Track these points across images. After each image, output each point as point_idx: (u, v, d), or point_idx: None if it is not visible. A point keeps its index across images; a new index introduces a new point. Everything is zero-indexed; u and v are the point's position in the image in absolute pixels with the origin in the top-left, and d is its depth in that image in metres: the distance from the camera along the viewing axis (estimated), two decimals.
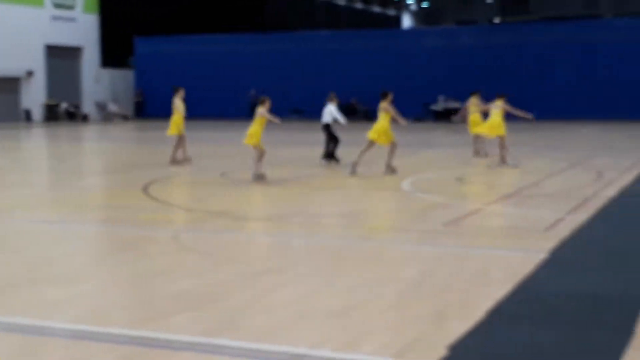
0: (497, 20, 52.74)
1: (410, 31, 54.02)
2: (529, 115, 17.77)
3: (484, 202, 11.53)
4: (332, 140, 17.79)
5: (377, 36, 42.66)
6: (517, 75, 36.95)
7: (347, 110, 39.48)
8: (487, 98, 35.27)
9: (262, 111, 14.16)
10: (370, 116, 38.98)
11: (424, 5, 66.16)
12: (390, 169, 15.28)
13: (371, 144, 15.59)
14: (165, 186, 13.91)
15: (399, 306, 6.18)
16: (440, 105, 37.66)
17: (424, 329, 5.63)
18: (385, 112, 15.50)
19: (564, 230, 9.05)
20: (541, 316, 5.83)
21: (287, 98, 40.45)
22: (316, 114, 40.19)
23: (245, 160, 18.99)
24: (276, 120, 14.24)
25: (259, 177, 14.16)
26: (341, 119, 17.82)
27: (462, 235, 9.10)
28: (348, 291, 6.65)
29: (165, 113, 37.50)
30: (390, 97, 15.58)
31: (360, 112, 39.53)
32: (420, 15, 66.65)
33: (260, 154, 14.27)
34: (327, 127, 17.82)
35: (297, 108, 40.43)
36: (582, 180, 14.10)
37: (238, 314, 5.97)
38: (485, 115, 18.24)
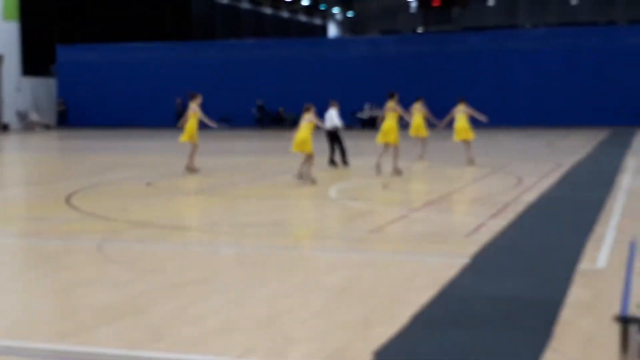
0: (420, 30, 53.60)
1: (336, 40, 54.40)
2: (484, 118, 19.23)
3: (409, 208, 11.69)
4: (338, 145, 18.21)
5: (303, 45, 42.86)
6: (439, 84, 37.62)
7: (275, 119, 39.56)
8: (407, 105, 35.51)
9: (309, 117, 14.71)
10: (297, 125, 39.19)
11: (349, 14, 66.77)
12: (397, 171, 15.90)
13: (387, 146, 16.20)
14: (88, 196, 13.65)
15: (325, 313, 6.21)
16: (366, 113, 38.04)
17: (350, 335, 5.67)
18: (393, 112, 16.21)
19: (485, 235, 9.25)
20: (463, 320, 5.94)
21: (213, 107, 40.17)
22: (243, 122, 40.26)
23: (170, 169, 18.79)
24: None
25: (311, 181, 14.57)
26: (339, 123, 18.34)
27: (386, 241, 9.21)
28: (274, 299, 6.65)
29: (89, 122, 37.00)
30: (396, 97, 16.31)
31: (287, 120, 39.58)
32: (345, 24, 67.23)
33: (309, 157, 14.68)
34: (330, 133, 18.13)
35: (224, 117, 40.22)
36: (503, 186, 14.44)
37: (163, 325, 5.90)
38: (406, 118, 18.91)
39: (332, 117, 18.26)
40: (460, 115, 19.11)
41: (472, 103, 35.80)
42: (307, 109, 15.19)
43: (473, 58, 37.61)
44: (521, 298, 6.49)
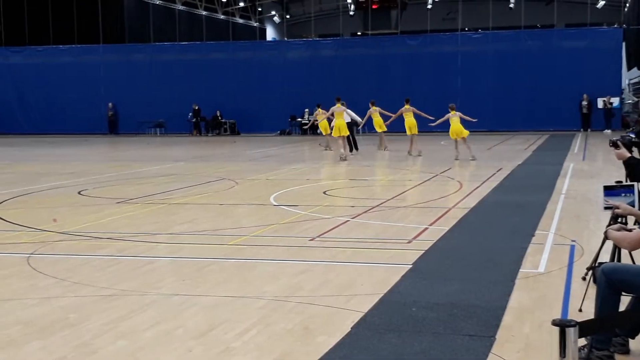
0: (359, 33, 53.84)
1: (273, 43, 54.23)
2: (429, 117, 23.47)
3: (350, 214, 11.60)
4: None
5: (240, 47, 42.55)
6: (378, 87, 37.77)
7: (212, 123, 39.13)
8: (358, 108, 35.62)
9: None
10: (234, 129, 38.86)
11: (287, 17, 66.72)
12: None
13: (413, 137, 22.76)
14: (16, 207, 13.20)
15: (265, 323, 6.07)
16: (306, 117, 37.97)
17: (290, 345, 5.55)
18: (411, 112, 22.91)
19: (426, 241, 9.23)
20: (405, 327, 5.88)
21: (147, 112, 39.55)
22: (178, 127, 39.70)
23: (103, 177, 18.36)
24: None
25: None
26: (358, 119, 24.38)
27: (327, 248, 9.09)
28: (211, 310, 6.48)
29: (13, 128, 35.93)
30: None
31: (225, 124, 39.24)
32: (283, 27, 67.18)
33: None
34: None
35: (159, 121, 39.65)
36: (444, 191, 14.49)
37: (95, 339, 5.68)
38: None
39: (350, 114, 23.62)
40: (408, 113, 23.33)
41: (413, 107, 36.18)
42: (339, 100, 21.81)
43: (411, 62, 37.82)
44: (463, 303, 6.46)
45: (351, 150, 23.38)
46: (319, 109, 26.44)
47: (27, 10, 45.55)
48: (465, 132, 21.73)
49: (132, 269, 8.16)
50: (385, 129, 25.40)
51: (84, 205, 13.28)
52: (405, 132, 23.72)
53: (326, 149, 25.71)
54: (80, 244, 9.53)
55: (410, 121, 23.76)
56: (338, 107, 22.45)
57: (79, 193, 14.91)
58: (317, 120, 26.83)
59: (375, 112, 25.28)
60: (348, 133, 22.50)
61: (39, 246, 9.31)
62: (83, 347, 5.49)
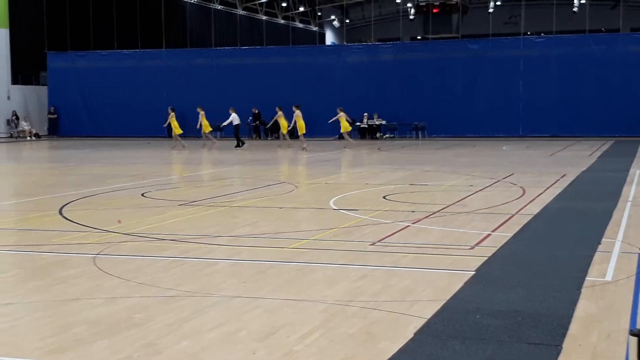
0: (419, 37, 53.57)
1: (332, 47, 54.32)
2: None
3: (411, 219, 11.53)
4: None
5: (300, 52, 42.70)
6: (439, 92, 37.51)
7: (273, 127, 39.34)
8: (415, 115, 35.61)
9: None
10: (293, 133, 39.00)
11: (347, 21, 66.78)
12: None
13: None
14: (82, 208, 13.48)
15: (327, 327, 6.06)
16: (365, 121, 37.92)
17: (353, 350, 5.53)
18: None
19: (489, 247, 9.11)
20: (470, 334, 5.80)
21: (208, 115, 39.91)
22: (238, 131, 39.96)
23: (165, 179, 18.64)
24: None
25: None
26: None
27: (388, 253, 9.05)
28: (274, 312, 6.50)
29: (80, 131, 36.75)
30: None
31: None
32: (342, 31, 67.25)
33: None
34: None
35: (218, 125, 40.01)
36: (506, 197, 14.29)
37: (160, 339, 5.75)
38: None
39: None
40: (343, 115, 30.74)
41: (473, 112, 36.05)
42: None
43: (474, 66, 37.45)
44: (527, 311, 6.34)
45: (240, 145, 29.97)
46: (280, 111, 31.49)
47: (92, 15, 46.56)
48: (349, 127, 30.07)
49: (195, 270, 8.25)
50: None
51: (147, 207, 13.49)
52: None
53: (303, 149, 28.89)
54: (145, 245, 9.68)
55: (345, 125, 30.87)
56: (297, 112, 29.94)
57: (142, 195, 15.15)
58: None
59: (341, 116, 31.14)
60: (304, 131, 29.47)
61: (105, 247, 9.48)
62: (148, 347, 5.56)
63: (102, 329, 6.03)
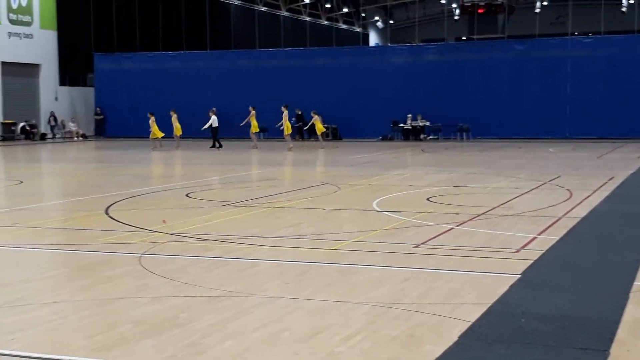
0: (464, 37, 53.15)
1: (376, 48, 54.19)
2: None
3: (455, 222, 11.43)
4: None
5: (343, 53, 42.68)
6: (484, 93, 37.18)
7: (313, 128, 39.41)
8: (459, 116, 35.37)
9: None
10: (336, 134, 39.01)
11: (391, 22, 66.58)
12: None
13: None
14: (128, 208, 13.64)
15: (370, 329, 6.03)
16: (409, 123, 37.77)
17: (396, 352, 5.50)
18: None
19: (535, 250, 8.99)
20: (515, 338, 5.72)
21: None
22: (281, 131, 40.08)
23: (209, 180, 18.78)
24: None
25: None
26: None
27: (432, 255, 8.98)
28: (317, 314, 6.50)
29: (126, 132, 37.24)
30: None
31: (327, 130, 39.42)
32: (386, 32, 67.05)
33: None
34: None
35: (263, 126, 40.19)
36: (553, 200, 14.09)
37: (204, 339, 5.78)
38: None
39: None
40: (316, 117, 32.07)
41: (518, 113, 35.69)
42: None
43: (519, 67, 37.04)
44: (574, 316, 6.24)
45: (217, 147, 31.26)
46: (253, 111, 32.89)
47: (139, 17, 47.16)
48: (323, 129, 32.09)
49: (239, 270, 8.29)
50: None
51: (192, 208, 13.60)
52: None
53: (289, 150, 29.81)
54: (189, 245, 9.76)
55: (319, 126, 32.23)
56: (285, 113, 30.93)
57: (187, 195, 15.28)
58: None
59: (316, 119, 32.49)
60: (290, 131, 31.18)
61: (150, 246, 9.58)
62: (192, 347, 5.60)
63: (147, 328, 6.08)
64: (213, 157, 27.89)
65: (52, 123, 41.21)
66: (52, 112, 41.12)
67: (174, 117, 32.62)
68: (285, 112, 31.55)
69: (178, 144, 32.44)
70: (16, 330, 6.04)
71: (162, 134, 32.83)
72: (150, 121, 32.49)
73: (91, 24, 45.05)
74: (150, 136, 32.46)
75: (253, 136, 32.66)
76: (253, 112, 32.79)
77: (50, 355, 5.42)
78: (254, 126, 32.76)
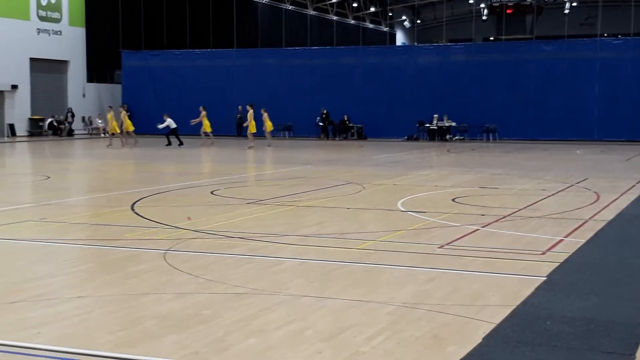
0: (491, 38, 52.82)
1: (403, 48, 54.03)
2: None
3: (480, 223, 11.36)
4: None
5: (370, 52, 42.59)
6: (512, 94, 36.93)
7: (340, 127, 39.41)
8: (486, 117, 35.13)
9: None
10: (361, 134, 38.98)
11: (418, 22, 66.36)
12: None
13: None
14: (153, 204, 13.72)
15: (393, 329, 6.01)
16: (435, 123, 37.63)
17: (420, 353, 5.47)
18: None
19: (561, 253, 8.91)
20: (540, 340, 5.67)
21: (277, 115, 40.23)
22: (306, 130, 40.21)
23: (234, 178, 18.84)
24: None
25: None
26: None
27: (457, 257, 8.93)
28: (340, 313, 6.49)
29: (152, 129, 37.47)
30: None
31: (352, 129, 39.41)
32: (413, 32, 66.86)
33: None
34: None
35: (287, 124, 40.28)
36: (579, 202, 13.96)
37: (228, 336, 5.79)
38: None
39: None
40: (265, 114, 32.76)
41: (545, 114, 35.33)
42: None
43: (547, 68, 36.72)
44: (600, 319, 6.17)
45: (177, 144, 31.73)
46: (204, 111, 33.40)
47: (166, 15, 47.42)
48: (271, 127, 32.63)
49: (262, 268, 8.30)
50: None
51: (216, 205, 13.65)
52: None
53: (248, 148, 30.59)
54: (213, 243, 9.79)
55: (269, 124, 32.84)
56: (251, 113, 31.66)
57: (212, 193, 15.34)
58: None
59: (265, 117, 33.05)
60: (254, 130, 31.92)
61: (175, 243, 9.62)
62: (216, 343, 5.61)
63: (171, 323, 6.11)
64: (238, 155, 27.98)
65: (70, 120, 41.55)
66: (69, 108, 41.40)
67: (204, 114, 32.75)
68: (251, 111, 31.96)
69: (212, 141, 32.83)
70: (41, 324, 6.09)
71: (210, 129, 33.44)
72: (201, 115, 32.70)
73: (119, 21, 45.37)
74: (202, 129, 32.92)
75: (203, 135, 33.30)
76: (204, 112, 33.37)
77: (75, 350, 5.46)
78: (206, 125, 33.32)
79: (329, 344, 5.65)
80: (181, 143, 32.13)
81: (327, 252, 9.26)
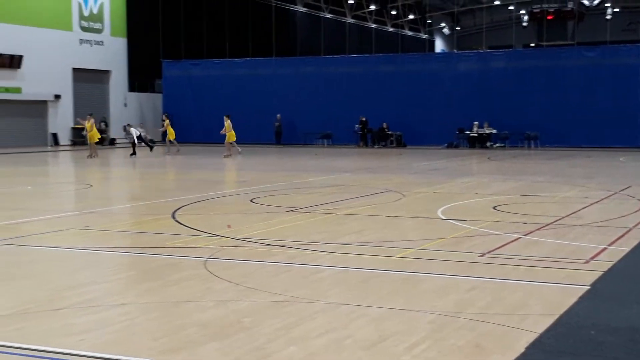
0: (532, 44, 52.32)
1: (442, 55, 53.80)
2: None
3: (522, 231, 11.24)
4: None
5: (408, 60, 42.50)
6: (552, 100, 36.53)
7: (379, 135, 39.35)
8: (527, 124, 34.79)
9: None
10: (400, 141, 38.86)
11: (457, 29, 66.03)
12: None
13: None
14: (194, 212, 13.83)
15: (435, 338, 5.96)
16: (475, 130, 37.37)
17: None
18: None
19: (605, 261, 8.78)
20: (584, 350, 5.59)
21: (316, 123, 40.34)
22: (345, 138, 40.20)
23: (274, 186, 18.91)
24: None
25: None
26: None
27: (498, 265, 8.85)
28: (380, 321, 6.46)
29: (192, 137, 37.82)
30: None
31: (391, 136, 39.32)
32: (452, 39, 66.54)
33: None
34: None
35: (326, 132, 40.32)
36: (623, 210, 13.74)
37: (268, 343, 5.80)
38: None
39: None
40: (167, 121, 34.01)
41: (587, 121, 34.85)
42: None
43: (589, 74, 36.27)
44: None
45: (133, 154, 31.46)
46: (167, 119, 34.99)
47: (206, 25, 47.86)
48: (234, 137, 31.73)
49: (302, 276, 8.31)
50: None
51: (256, 213, 13.70)
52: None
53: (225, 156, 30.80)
54: (253, 250, 9.82)
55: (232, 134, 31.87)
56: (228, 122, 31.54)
57: (251, 201, 15.41)
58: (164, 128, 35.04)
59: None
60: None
61: (215, 251, 9.68)
62: (257, 351, 5.62)
63: (213, 331, 6.14)
64: (277, 163, 28.09)
65: (103, 127, 42.14)
66: (103, 117, 41.90)
67: (228, 123, 32.05)
68: (228, 122, 31.66)
69: (236, 149, 32.53)
70: (85, 331, 6.17)
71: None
72: (227, 124, 31.97)
73: (160, 32, 45.93)
74: (227, 140, 32.11)
75: (169, 142, 34.34)
76: (167, 120, 34.55)
77: (118, 356, 5.51)
78: (171, 133, 34.13)
79: (370, 352, 5.63)
80: (133, 153, 31.55)
81: (366, 260, 9.24)
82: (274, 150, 36.32)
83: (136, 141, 32.37)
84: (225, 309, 6.83)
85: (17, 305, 7.00)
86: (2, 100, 37.30)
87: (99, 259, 9.59)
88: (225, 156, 30.63)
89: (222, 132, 31.93)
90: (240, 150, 32.43)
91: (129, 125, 35.15)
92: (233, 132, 31.70)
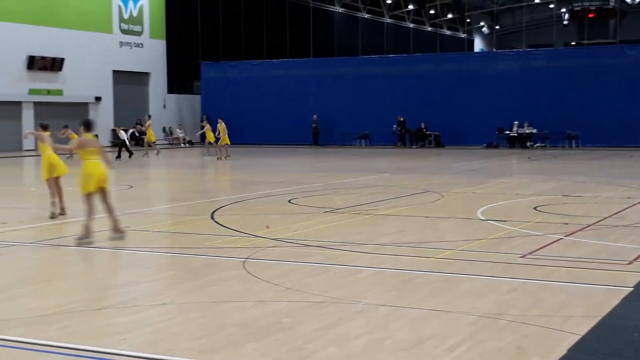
0: (573, 43, 51.67)
1: (481, 54, 53.37)
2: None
3: (564, 232, 11.10)
4: None
5: (447, 59, 42.24)
6: (594, 99, 36.03)
7: (417, 135, 39.18)
8: (568, 123, 34.31)
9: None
10: (439, 141, 38.64)
11: (496, 27, 65.47)
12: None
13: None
14: (232, 213, 13.90)
15: (475, 339, 5.92)
16: (515, 130, 37.01)
17: None
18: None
19: None
20: (627, 352, 5.51)
21: (354, 123, 40.30)
22: (383, 139, 40.08)
23: (311, 187, 18.93)
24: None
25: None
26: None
27: (539, 266, 8.74)
28: (420, 323, 6.43)
29: (231, 139, 38.05)
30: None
31: (429, 137, 39.13)
32: (492, 38, 66.00)
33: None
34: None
35: (364, 133, 40.26)
36: None
37: (308, 344, 5.81)
38: None
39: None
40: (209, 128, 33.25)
41: (630, 120, 34.42)
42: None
43: (632, 73, 35.70)
44: None
45: (122, 156, 31.28)
46: (149, 120, 35.21)
47: (244, 26, 48.10)
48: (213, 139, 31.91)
49: (340, 277, 8.30)
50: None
51: (294, 214, 13.73)
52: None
53: (216, 158, 30.96)
54: (291, 251, 9.84)
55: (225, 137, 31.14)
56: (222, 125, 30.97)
57: (289, 201, 15.44)
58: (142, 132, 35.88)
59: (207, 129, 33.36)
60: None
61: (254, 251, 9.71)
62: (296, 351, 5.63)
63: (252, 331, 6.16)
64: (314, 164, 28.12)
65: (139, 129, 42.48)
66: (138, 119, 42.18)
67: (222, 126, 31.15)
68: (223, 125, 31.19)
69: (227, 153, 31.27)
70: (127, 331, 6.23)
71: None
72: (220, 127, 31.28)
73: (198, 34, 46.29)
74: (219, 142, 31.54)
75: (147, 145, 34.46)
76: (149, 121, 34.85)
77: (159, 356, 5.56)
78: (151, 135, 34.53)
79: (409, 353, 5.60)
80: (118, 157, 30.93)
81: (405, 261, 9.20)
82: (311, 151, 36.37)
83: (127, 142, 32.59)
84: (264, 309, 6.85)
85: (61, 304, 7.10)
86: (44, 102, 37.88)
87: (140, 259, 9.68)
88: (218, 158, 30.72)
89: (217, 135, 31.50)
90: (226, 156, 30.99)
91: (117, 127, 35.48)
92: (227, 136, 31.13)
